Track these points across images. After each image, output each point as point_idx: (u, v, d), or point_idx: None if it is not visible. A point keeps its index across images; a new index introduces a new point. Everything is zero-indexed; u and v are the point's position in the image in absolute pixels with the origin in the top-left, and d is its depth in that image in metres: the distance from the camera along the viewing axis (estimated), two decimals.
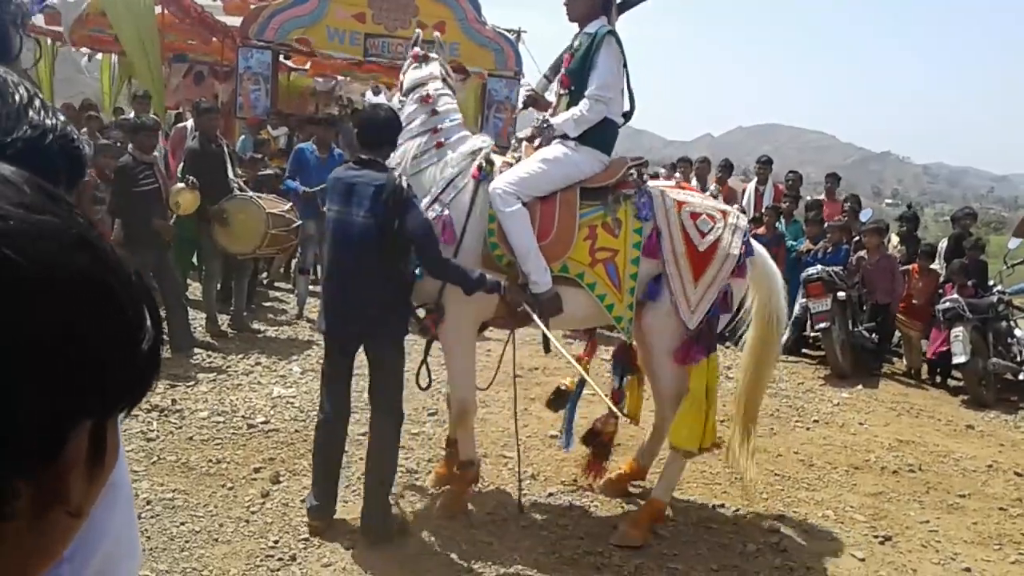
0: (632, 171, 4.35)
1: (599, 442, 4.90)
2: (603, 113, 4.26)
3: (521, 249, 4.13)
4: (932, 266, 8.88)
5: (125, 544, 1.02)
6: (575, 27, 4.43)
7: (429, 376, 4.58)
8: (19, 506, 0.52)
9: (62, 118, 0.80)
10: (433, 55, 4.63)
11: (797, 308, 8.82)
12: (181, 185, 6.87)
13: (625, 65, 4.29)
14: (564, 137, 4.30)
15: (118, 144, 7.80)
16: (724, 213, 4.34)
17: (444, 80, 4.54)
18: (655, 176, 5.26)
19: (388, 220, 3.88)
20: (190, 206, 6.88)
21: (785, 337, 8.92)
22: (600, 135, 4.33)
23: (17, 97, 0.76)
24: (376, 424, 4.17)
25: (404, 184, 3.97)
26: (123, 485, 1.02)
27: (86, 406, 0.54)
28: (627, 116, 4.46)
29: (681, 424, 4.34)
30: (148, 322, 0.58)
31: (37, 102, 0.78)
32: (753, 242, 4.50)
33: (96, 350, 0.53)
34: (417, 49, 4.65)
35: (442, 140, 4.36)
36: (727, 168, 11.31)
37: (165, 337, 6.93)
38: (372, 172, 4.01)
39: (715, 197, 10.04)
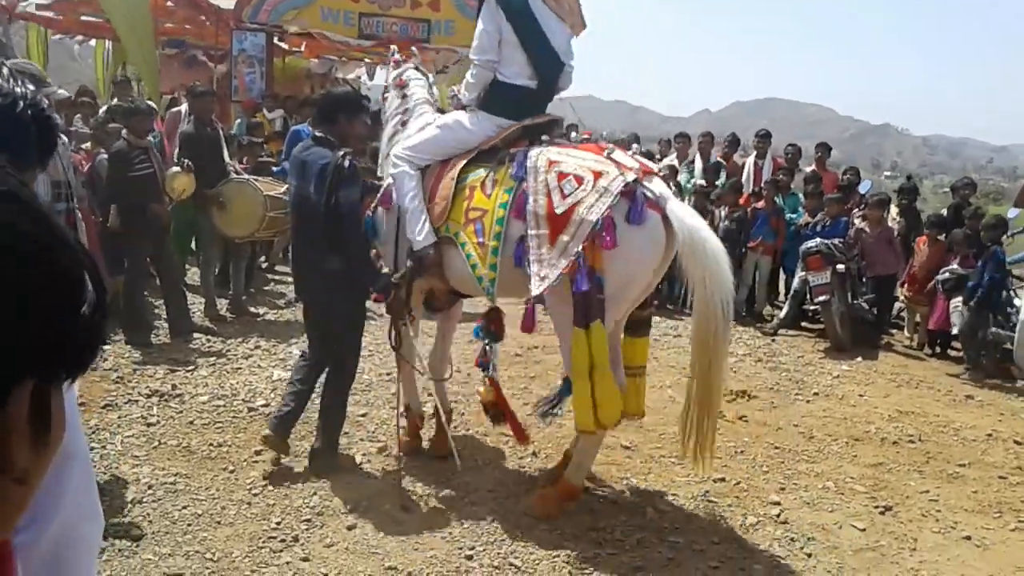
0: (521, 131, 4.32)
1: (493, 413, 4.80)
2: (485, 76, 4.31)
3: (403, 209, 4.39)
4: (939, 237, 8.80)
5: (85, 509, 1.03)
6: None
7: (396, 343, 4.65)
8: None
9: (32, 87, 0.79)
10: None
11: (796, 281, 8.82)
12: (176, 169, 6.86)
13: (519, 26, 4.22)
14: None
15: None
16: (597, 175, 3.94)
17: (417, 68, 4.88)
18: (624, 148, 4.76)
19: (329, 195, 4.23)
20: (186, 189, 6.86)
21: (784, 311, 8.94)
22: (497, 98, 4.35)
23: None
24: (327, 380, 4.65)
25: (346, 163, 4.25)
26: (78, 455, 1.03)
27: (21, 366, 0.53)
28: (543, 79, 4.37)
29: (574, 404, 4.14)
30: (90, 288, 0.57)
31: (5, 71, 0.77)
32: (678, 213, 3.98)
33: (30, 307, 0.52)
34: (397, 57, 5.07)
35: (407, 119, 4.67)
36: (734, 143, 11.25)
37: (164, 322, 6.95)
38: (322, 150, 4.37)
39: (716, 172, 10.08)
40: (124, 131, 6.69)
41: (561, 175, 3.97)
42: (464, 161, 4.33)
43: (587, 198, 3.89)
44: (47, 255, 0.54)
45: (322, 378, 4.70)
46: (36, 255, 0.53)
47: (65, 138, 5.51)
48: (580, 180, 3.94)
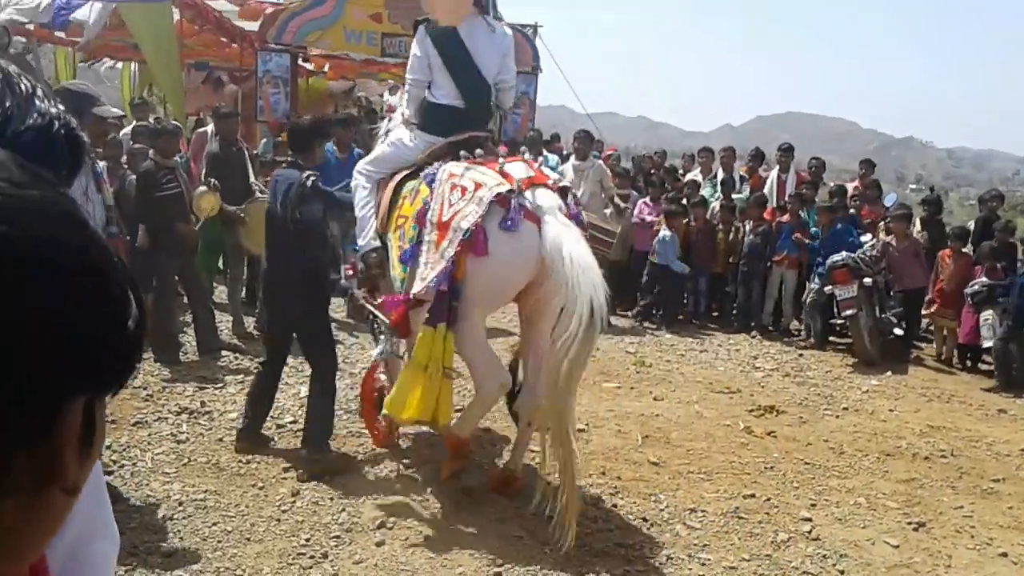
0: (447, 147, 4.65)
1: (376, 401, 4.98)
2: (417, 95, 4.78)
3: (357, 216, 4.95)
4: (964, 249, 8.72)
5: (98, 525, 1.03)
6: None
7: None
8: (17, 483, 0.52)
9: (62, 107, 0.81)
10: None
11: (812, 293, 8.78)
12: (203, 188, 6.92)
13: (444, 51, 4.62)
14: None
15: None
16: (478, 186, 4.14)
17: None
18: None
19: (292, 211, 4.66)
20: (212, 209, 6.93)
21: (813, 325, 8.87)
22: (429, 118, 4.77)
23: (23, 87, 0.77)
24: (311, 383, 4.99)
25: (308, 182, 4.70)
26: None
27: (79, 381, 0.54)
28: (471, 99, 4.68)
29: (396, 387, 4.33)
30: (133, 304, 0.58)
31: (40, 91, 0.79)
32: (549, 224, 4.09)
33: (87, 324, 0.53)
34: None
35: (384, 140, 5.21)
36: (758, 157, 11.21)
37: (192, 340, 7.01)
38: (292, 172, 4.85)
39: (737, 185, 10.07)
40: (151, 152, 6.77)
41: (453, 187, 4.25)
42: (403, 175, 4.75)
43: (465, 208, 4.14)
44: (103, 274, 0.55)
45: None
46: (96, 274, 0.54)
47: (102, 163, 5.66)
48: (464, 191, 4.20)
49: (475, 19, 4.71)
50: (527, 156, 4.94)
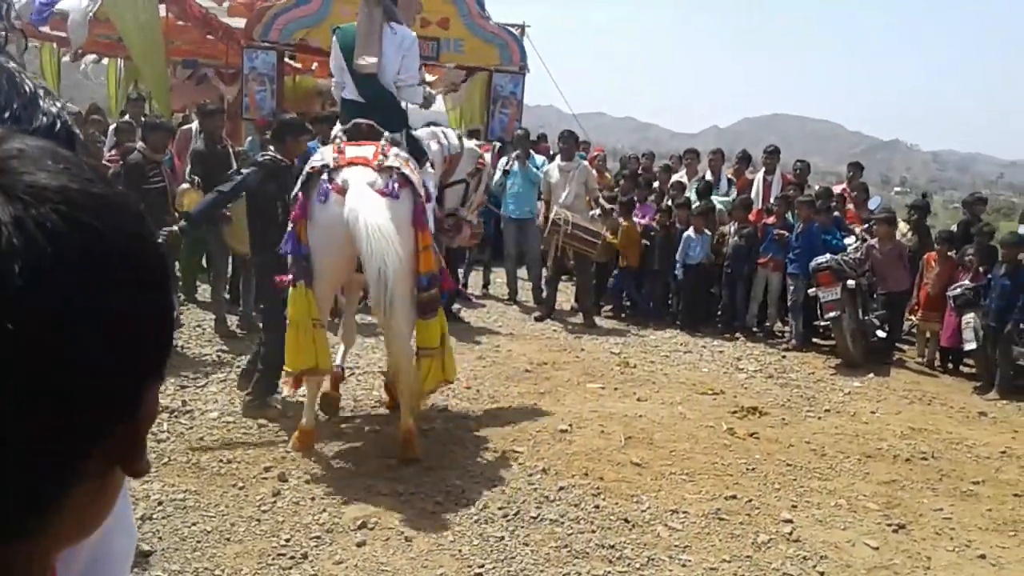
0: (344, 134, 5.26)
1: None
2: (338, 92, 5.50)
3: None
4: (949, 253, 8.73)
5: (119, 520, 1.03)
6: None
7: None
8: (94, 467, 0.55)
9: (59, 104, 0.82)
10: None
11: (794, 293, 8.77)
12: (186, 185, 7.00)
13: (346, 54, 5.30)
14: None
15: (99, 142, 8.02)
16: (312, 164, 4.94)
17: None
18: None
19: (252, 189, 5.51)
20: (194, 205, 6.96)
21: (795, 327, 8.90)
22: (342, 112, 5.48)
23: (28, 87, 0.78)
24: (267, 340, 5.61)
25: (261, 159, 5.54)
26: None
27: (156, 366, 0.58)
28: (365, 94, 5.28)
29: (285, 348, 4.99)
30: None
31: (41, 91, 0.80)
32: (350, 196, 4.65)
33: (161, 311, 0.57)
34: None
35: None
36: (744, 160, 11.25)
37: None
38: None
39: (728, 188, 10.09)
40: (140, 144, 6.83)
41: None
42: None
43: (302, 180, 4.90)
44: (166, 265, 0.59)
45: None
46: (163, 266, 0.58)
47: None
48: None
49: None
50: (400, 144, 5.23)
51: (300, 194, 4.83)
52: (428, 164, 5.62)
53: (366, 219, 4.50)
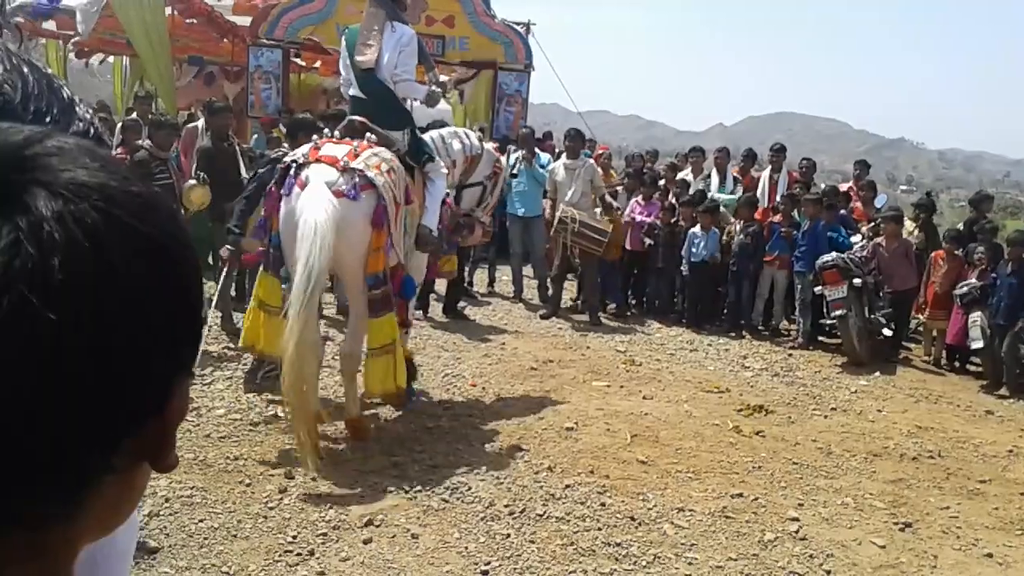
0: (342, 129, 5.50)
1: None
2: (345, 91, 5.83)
3: None
4: (957, 251, 8.70)
5: None
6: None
7: None
8: (122, 460, 0.56)
9: (91, 112, 0.84)
10: None
11: (805, 292, 8.75)
12: (192, 182, 7.06)
13: (348, 53, 5.55)
14: None
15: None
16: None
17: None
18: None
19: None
20: (201, 202, 7.07)
21: (802, 325, 8.89)
22: (349, 108, 5.75)
23: (65, 94, 0.79)
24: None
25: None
26: None
27: (187, 360, 0.59)
28: (363, 89, 5.51)
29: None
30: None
31: (77, 97, 0.82)
32: (302, 193, 4.85)
33: (192, 308, 0.58)
34: None
35: None
36: (750, 158, 11.23)
37: None
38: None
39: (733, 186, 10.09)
40: (147, 142, 6.91)
41: None
42: None
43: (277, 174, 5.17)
44: (197, 263, 0.60)
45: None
46: (195, 263, 0.59)
47: None
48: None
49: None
50: (370, 139, 5.31)
51: (272, 187, 5.11)
52: (439, 164, 5.74)
53: (307, 217, 4.69)
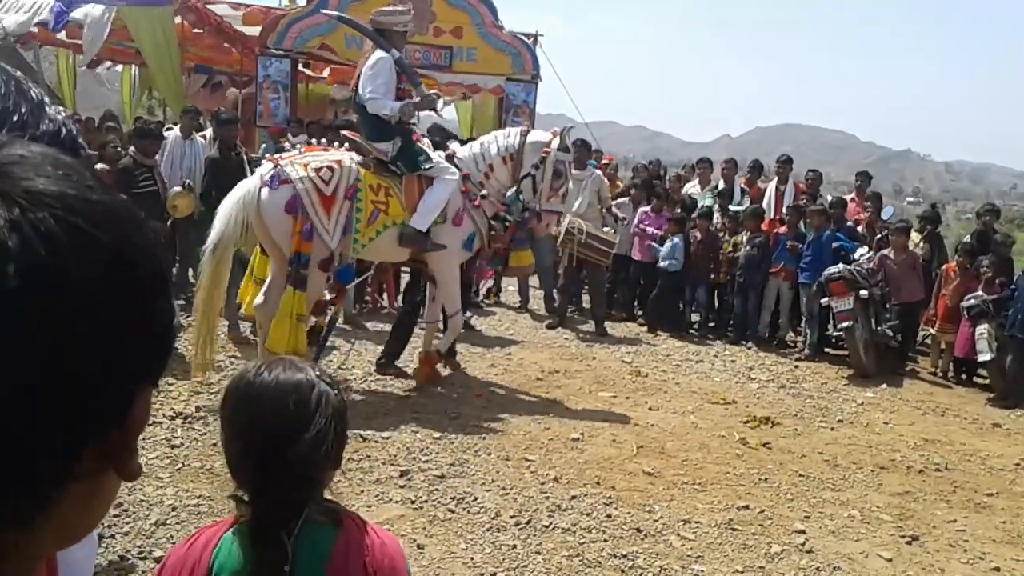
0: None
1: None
2: None
3: None
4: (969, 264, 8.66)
5: None
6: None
7: None
8: (86, 468, 0.55)
9: (64, 112, 0.84)
10: None
11: (812, 305, 8.75)
12: (178, 189, 7.21)
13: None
14: None
15: (116, 147, 8.18)
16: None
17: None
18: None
19: None
20: (186, 209, 7.26)
21: (809, 338, 8.88)
22: None
23: (33, 94, 0.79)
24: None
25: None
26: None
27: (151, 369, 0.59)
28: (356, 111, 6.44)
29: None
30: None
31: (47, 98, 0.81)
32: (254, 176, 6.03)
33: (156, 318, 0.58)
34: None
35: None
36: (756, 169, 11.24)
37: (184, 342, 7.00)
38: None
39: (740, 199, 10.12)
40: (132, 149, 7.08)
41: None
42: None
43: None
44: (165, 273, 0.60)
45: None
46: (161, 273, 0.59)
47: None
48: None
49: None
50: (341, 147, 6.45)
51: (262, 179, 5.95)
52: (442, 169, 6.18)
53: (232, 198, 5.84)
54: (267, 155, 6.22)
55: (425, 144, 6.33)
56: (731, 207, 9.97)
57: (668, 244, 9.29)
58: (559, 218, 7.25)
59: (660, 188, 10.44)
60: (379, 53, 6.08)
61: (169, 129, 8.90)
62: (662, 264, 9.34)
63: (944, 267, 8.77)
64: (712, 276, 9.59)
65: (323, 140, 7.29)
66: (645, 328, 9.55)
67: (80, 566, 1.07)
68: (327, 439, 1.45)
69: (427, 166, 6.14)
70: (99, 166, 7.97)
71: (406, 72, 6.23)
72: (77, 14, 10.35)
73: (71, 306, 0.50)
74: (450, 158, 6.41)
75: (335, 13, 8.44)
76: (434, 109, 6.56)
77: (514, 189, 6.49)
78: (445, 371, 6.87)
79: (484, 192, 6.38)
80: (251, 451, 1.48)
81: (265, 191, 5.79)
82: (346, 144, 6.26)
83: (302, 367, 1.51)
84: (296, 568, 1.45)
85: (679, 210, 9.86)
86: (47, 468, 0.53)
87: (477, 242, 6.48)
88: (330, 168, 5.90)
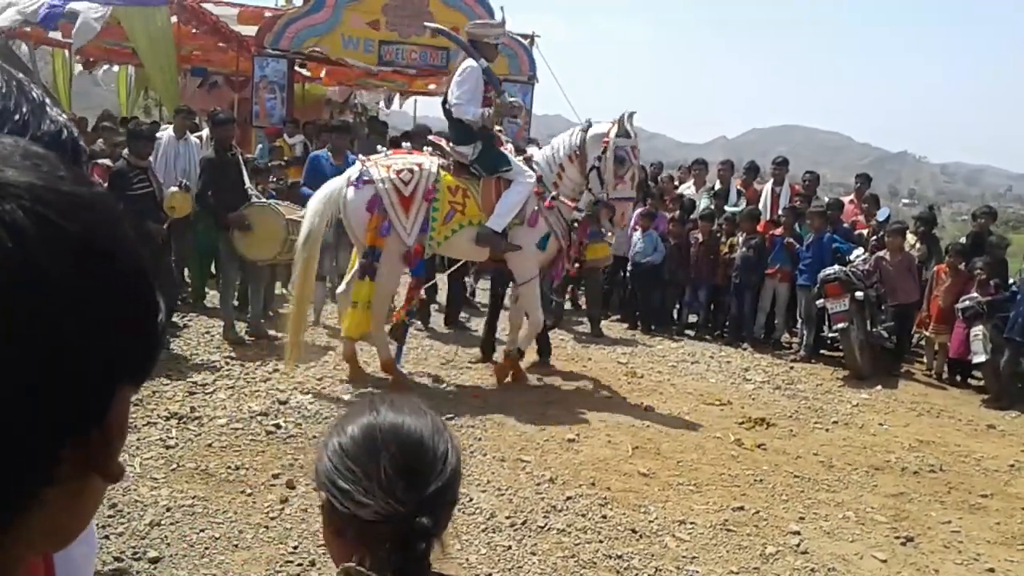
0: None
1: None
2: None
3: None
4: (961, 265, 8.67)
5: None
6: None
7: None
8: (66, 471, 0.54)
9: (65, 114, 0.84)
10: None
11: (808, 306, 8.76)
12: (174, 188, 7.20)
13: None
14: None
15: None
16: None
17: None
18: None
19: None
20: (183, 209, 7.27)
21: (805, 339, 8.89)
22: None
23: (35, 95, 0.78)
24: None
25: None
26: None
27: (130, 369, 0.57)
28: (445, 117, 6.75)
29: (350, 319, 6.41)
30: (160, 298, 0.61)
31: (48, 99, 0.81)
32: (342, 176, 6.51)
33: (139, 313, 0.56)
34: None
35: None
36: (752, 171, 11.26)
37: (181, 343, 6.99)
38: None
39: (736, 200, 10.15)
40: (125, 151, 7.18)
41: None
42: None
43: None
44: (146, 268, 0.58)
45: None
46: (141, 269, 0.57)
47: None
48: None
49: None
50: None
51: (349, 180, 6.44)
52: (519, 171, 6.50)
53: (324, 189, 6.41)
54: (359, 157, 6.77)
55: (507, 149, 6.64)
56: (727, 208, 9.98)
57: (640, 237, 9.38)
58: (633, 204, 7.48)
59: (654, 189, 10.45)
60: (469, 62, 6.46)
61: (164, 129, 8.88)
62: (640, 260, 9.40)
63: (936, 268, 8.78)
64: (714, 277, 9.60)
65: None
66: (639, 329, 9.55)
67: (79, 564, 1.07)
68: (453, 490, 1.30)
69: (504, 168, 6.47)
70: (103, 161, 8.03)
71: (492, 82, 6.57)
72: (73, 5, 10.30)
73: (42, 298, 0.49)
74: (528, 162, 6.62)
75: (434, 25, 8.47)
76: (515, 117, 7.15)
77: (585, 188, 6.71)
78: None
79: (555, 193, 6.56)
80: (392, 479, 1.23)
81: (351, 190, 6.28)
82: (429, 148, 6.72)
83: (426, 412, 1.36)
84: None
85: (678, 211, 9.88)
86: (22, 470, 0.51)
87: (553, 243, 6.63)
88: (410, 170, 6.33)
